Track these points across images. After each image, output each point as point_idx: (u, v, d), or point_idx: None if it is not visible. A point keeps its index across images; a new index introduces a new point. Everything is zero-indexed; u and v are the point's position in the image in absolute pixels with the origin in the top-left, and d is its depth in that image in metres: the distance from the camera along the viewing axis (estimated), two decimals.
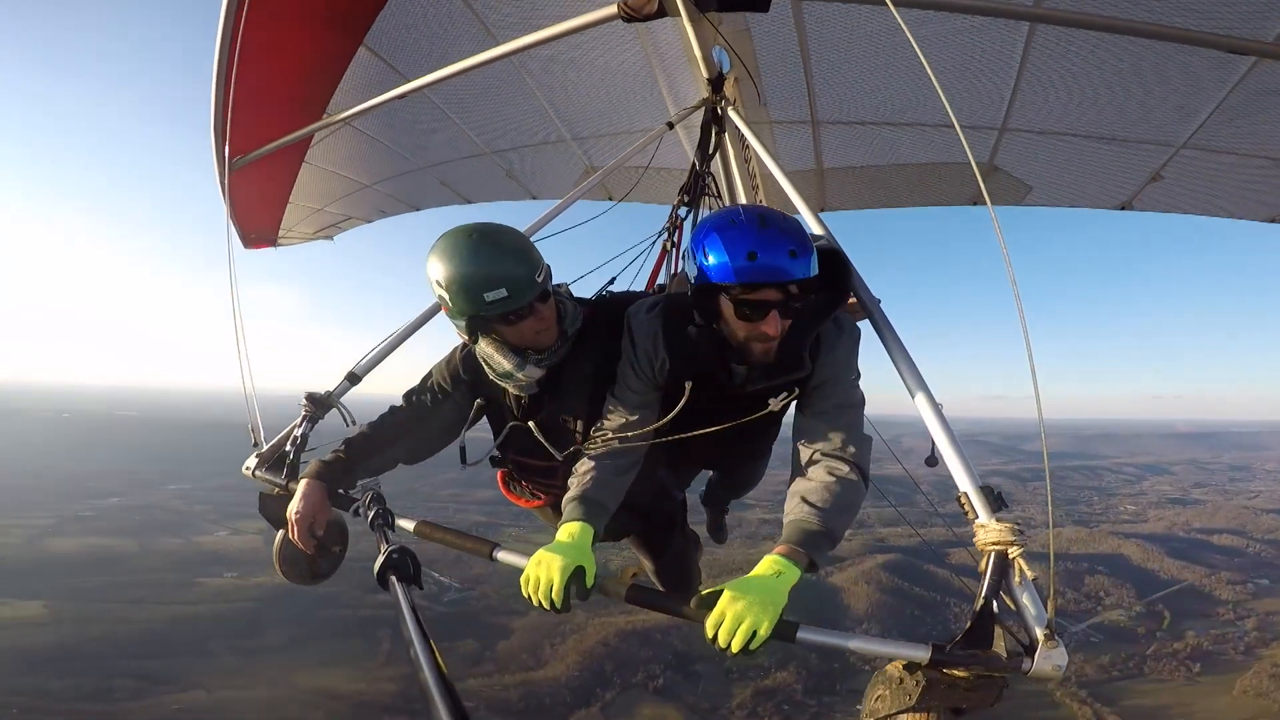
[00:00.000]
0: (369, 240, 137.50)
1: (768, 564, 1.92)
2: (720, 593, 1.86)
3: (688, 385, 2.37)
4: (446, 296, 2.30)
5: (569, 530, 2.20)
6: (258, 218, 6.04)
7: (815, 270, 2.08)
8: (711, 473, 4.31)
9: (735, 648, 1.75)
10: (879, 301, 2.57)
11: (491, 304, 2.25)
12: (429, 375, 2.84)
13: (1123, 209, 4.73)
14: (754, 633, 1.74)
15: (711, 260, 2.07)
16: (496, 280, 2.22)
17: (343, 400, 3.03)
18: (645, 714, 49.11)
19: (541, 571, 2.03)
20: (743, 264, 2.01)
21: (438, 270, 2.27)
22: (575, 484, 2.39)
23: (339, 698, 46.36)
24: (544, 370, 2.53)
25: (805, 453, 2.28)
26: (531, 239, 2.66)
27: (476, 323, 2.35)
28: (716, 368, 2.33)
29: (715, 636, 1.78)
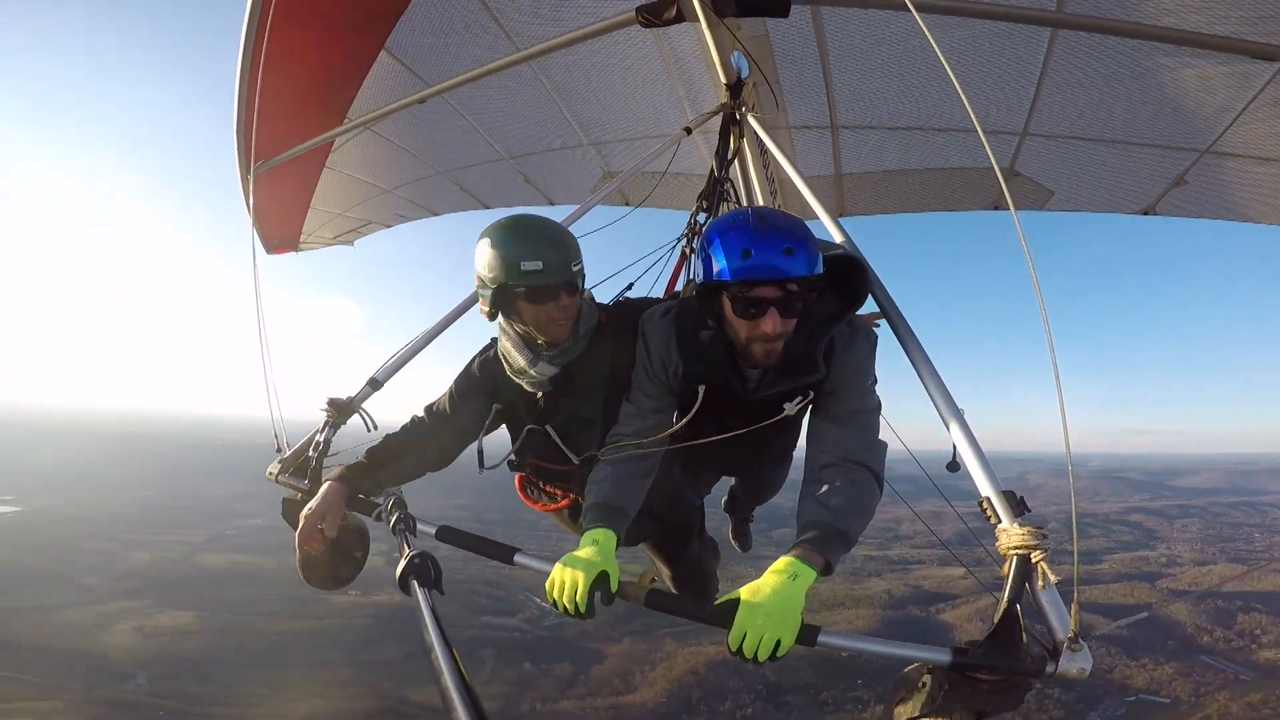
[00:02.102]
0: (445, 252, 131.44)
1: (782, 565, 1.91)
2: (737, 601, 1.86)
3: (700, 390, 2.38)
4: (486, 265, 2.40)
5: (592, 537, 2.21)
6: (280, 222, 6.11)
7: (817, 269, 2.09)
8: (732, 480, 4.26)
9: (761, 659, 1.77)
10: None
11: (525, 274, 2.34)
12: (449, 387, 2.90)
13: (1145, 214, 4.67)
14: (777, 642, 1.76)
15: (712, 260, 2.10)
16: (534, 255, 2.34)
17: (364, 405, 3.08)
18: None
19: (566, 577, 2.05)
20: (738, 262, 2.04)
21: (484, 243, 2.40)
22: (594, 490, 2.41)
23: (442, 713, 47.62)
24: (556, 368, 2.59)
25: (820, 457, 2.27)
26: None
27: (502, 295, 2.43)
28: (729, 372, 2.34)
29: (740, 649, 1.78)
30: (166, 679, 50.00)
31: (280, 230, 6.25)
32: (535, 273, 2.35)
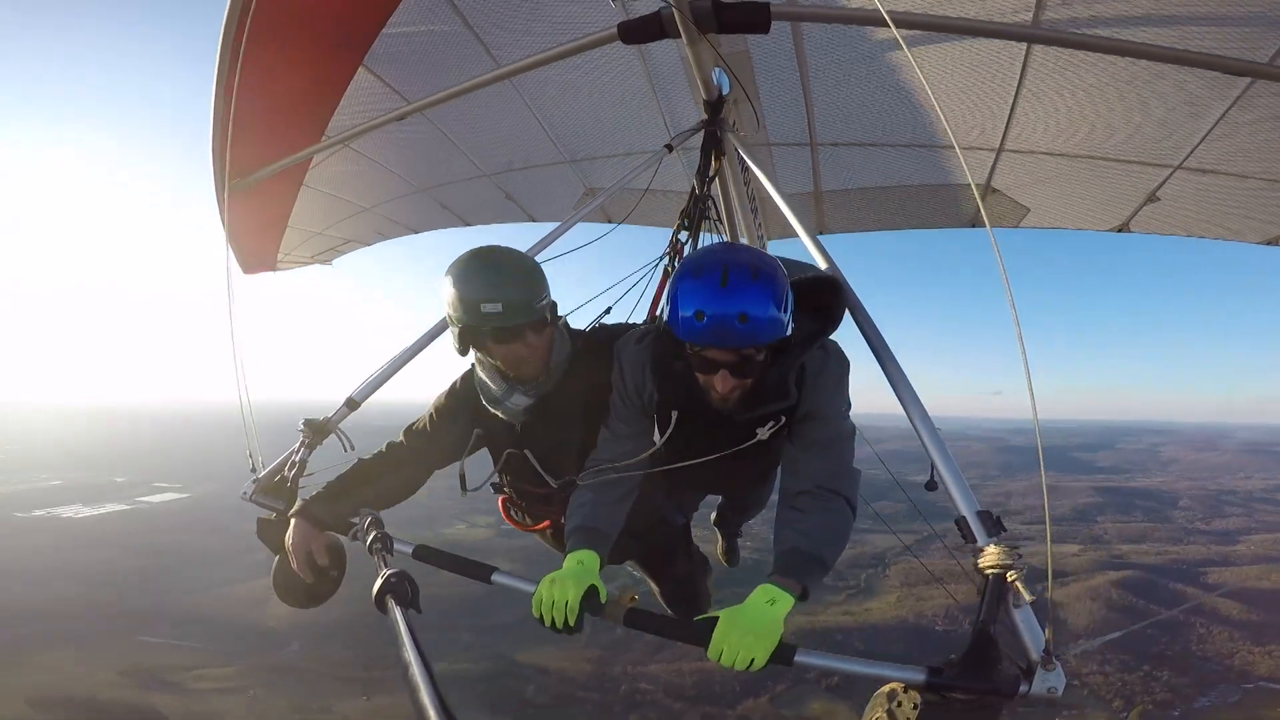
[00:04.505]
0: None
1: (761, 593, 1.98)
2: (716, 620, 1.91)
3: (674, 415, 2.40)
4: (449, 304, 2.41)
5: (576, 557, 2.24)
6: (257, 241, 5.99)
7: (779, 334, 2.07)
8: (720, 497, 4.30)
9: (739, 669, 1.83)
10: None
11: (486, 316, 2.34)
12: (429, 408, 2.91)
13: (1119, 231, 4.74)
14: (751, 660, 1.82)
15: (672, 307, 2.11)
16: (494, 296, 2.32)
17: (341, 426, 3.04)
18: (814, 709, 51.92)
19: (556, 593, 2.07)
20: (690, 322, 2.03)
21: (448, 281, 2.39)
22: (575, 514, 2.43)
23: (547, 673, 54.49)
24: (531, 399, 2.61)
25: (795, 484, 2.30)
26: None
27: (469, 334, 2.44)
28: (703, 399, 2.33)
29: (718, 659, 1.86)
30: (316, 645, 56.02)
31: (257, 249, 6.12)
32: (495, 315, 2.34)
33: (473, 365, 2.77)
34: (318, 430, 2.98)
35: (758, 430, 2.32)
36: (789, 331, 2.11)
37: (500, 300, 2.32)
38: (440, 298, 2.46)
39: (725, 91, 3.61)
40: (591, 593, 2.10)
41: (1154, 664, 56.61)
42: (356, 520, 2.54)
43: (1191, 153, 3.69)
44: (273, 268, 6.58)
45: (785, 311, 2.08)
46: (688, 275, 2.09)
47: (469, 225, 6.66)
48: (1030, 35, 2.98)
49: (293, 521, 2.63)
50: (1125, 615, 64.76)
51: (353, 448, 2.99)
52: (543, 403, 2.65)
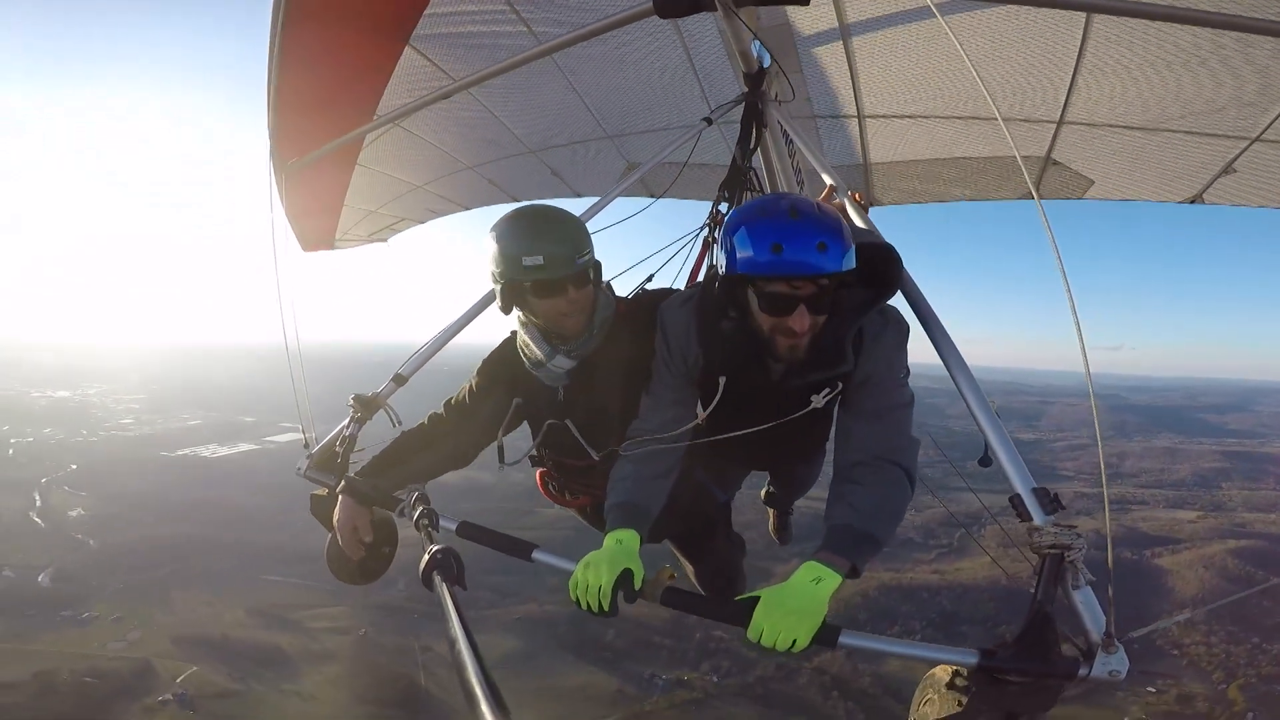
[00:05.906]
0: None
1: (807, 570, 1.92)
2: (757, 599, 1.88)
3: (721, 381, 2.32)
4: (493, 261, 2.42)
5: (616, 536, 2.23)
6: (315, 220, 6.18)
7: (850, 264, 2.01)
8: (766, 475, 4.20)
9: (780, 649, 1.81)
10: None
11: (527, 269, 2.33)
12: (468, 380, 2.90)
13: (1192, 202, 4.46)
14: (793, 640, 1.79)
15: (737, 251, 2.03)
16: (535, 249, 2.31)
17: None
18: (892, 664, 50.23)
19: (590, 575, 2.08)
20: (767, 256, 1.96)
21: (491, 238, 2.41)
22: (616, 490, 2.40)
23: (626, 619, 52.59)
24: (574, 361, 2.56)
25: (850, 455, 2.22)
26: None
27: (512, 291, 2.44)
28: (753, 362, 2.26)
29: (758, 640, 1.84)
30: (419, 584, 59.42)
31: (316, 229, 6.32)
32: (537, 268, 2.32)
33: (513, 332, 2.75)
34: (367, 405, 3.04)
35: (812, 398, 2.24)
36: (854, 263, 2.05)
37: (541, 253, 2.31)
38: (486, 257, 2.46)
39: (766, 64, 3.53)
40: (626, 576, 2.07)
41: (1265, 636, 53.14)
42: (403, 496, 2.59)
43: (1271, 124, 3.42)
44: (331, 246, 6.80)
45: (851, 247, 2.03)
46: (753, 218, 2.04)
47: (517, 201, 6.70)
48: (1085, 4, 2.81)
49: (339, 499, 2.70)
50: (1240, 586, 60.66)
51: (400, 423, 3.04)
52: (585, 368, 2.60)
